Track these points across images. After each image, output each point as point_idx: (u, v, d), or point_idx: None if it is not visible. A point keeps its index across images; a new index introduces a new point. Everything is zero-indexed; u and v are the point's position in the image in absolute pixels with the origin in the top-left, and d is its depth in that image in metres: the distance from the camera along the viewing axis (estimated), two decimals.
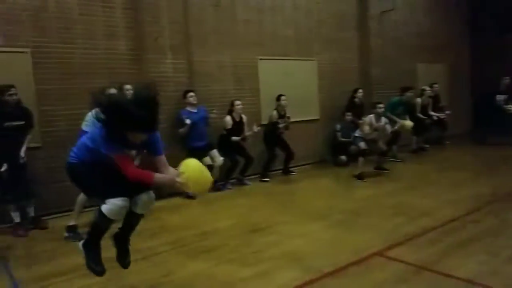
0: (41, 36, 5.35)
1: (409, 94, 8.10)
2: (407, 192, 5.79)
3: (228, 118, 6.60)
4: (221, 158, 6.32)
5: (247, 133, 6.70)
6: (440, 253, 3.51)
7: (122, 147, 2.55)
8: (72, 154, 2.74)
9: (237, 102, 6.64)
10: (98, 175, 2.65)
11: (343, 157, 7.98)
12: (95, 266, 2.79)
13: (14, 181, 4.76)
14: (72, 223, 4.48)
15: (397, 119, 7.71)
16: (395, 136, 7.86)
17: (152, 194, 2.76)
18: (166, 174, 2.70)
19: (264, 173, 7.21)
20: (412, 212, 4.76)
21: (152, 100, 2.49)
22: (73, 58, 5.60)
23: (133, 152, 2.72)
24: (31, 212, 5.00)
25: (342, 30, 8.87)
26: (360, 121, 7.46)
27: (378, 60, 9.30)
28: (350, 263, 3.37)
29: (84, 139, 2.75)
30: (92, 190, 2.80)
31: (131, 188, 2.62)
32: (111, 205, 2.58)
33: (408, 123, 7.77)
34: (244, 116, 6.80)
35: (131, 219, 2.81)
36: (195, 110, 6.22)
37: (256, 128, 6.68)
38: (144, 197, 2.71)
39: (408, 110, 8.30)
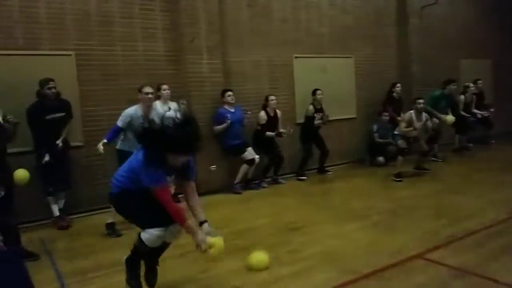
0: (84, 39, 5.57)
1: (451, 87, 7.76)
2: (449, 193, 5.59)
3: (262, 113, 6.61)
4: (257, 156, 6.35)
5: (281, 130, 6.65)
6: (484, 257, 3.37)
7: (163, 174, 2.68)
8: (114, 182, 2.89)
9: (271, 97, 6.64)
10: (138, 205, 2.79)
11: (381, 159, 7.79)
12: (133, 283, 2.97)
13: (56, 173, 4.97)
14: (110, 220, 4.59)
15: (439, 114, 7.45)
16: (436, 134, 7.61)
17: (178, 227, 2.85)
18: (195, 203, 2.93)
19: (301, 171, 7.18)
20: (454, 214, 4.59)
21: (193, 123, 2.67)
22: (114, 60, 5.80)
23: (170, 179, 2.87)
24: (61, 204, 5.16)
25: (380, 26, 8.67)
26: (399, 118, 7.26)
27: (418, 56, 9.00)
28: (388, 265, 3.29)
29: (124, 169, 2.88)
30: (133, 218, 2.93)
31: (167, 218, 2.75)
32: (149, 235, 2.75)
33: (450, 118, 7.48)
34: (278, 112, 6.79)
35: (161, 245, 2.94)
36: (233, 110, 6.28)
37: (291, 130, 6.64)
38: (173, 228, 2.83)
39: (451, 104, 7.98)
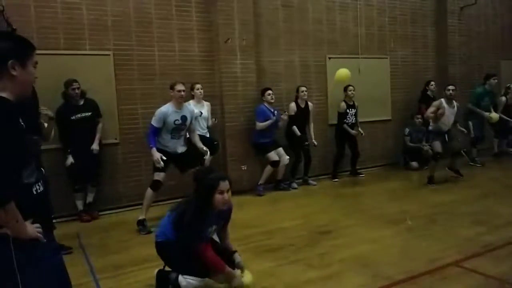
0: (122, 40, 5.74)
1: (492, 81, 7.52)
2: (488, 199, 5.40)
3: (293, 105, 6.56)
4: (287, 157, 6.34)
5: (314, 140, 6.57)
6: None
7: (205, 227, 2.86)
8: (159, 232, 3.07)
9: (302, 88, 6.58)
10: (179, 254, 2.92)
11: (414, 163, 7.61)
12: None
13: (84, 172, 5.13)
14: (141, 217, 4.68)
15: (482, 112, 7.20)
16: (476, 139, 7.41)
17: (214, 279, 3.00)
18: (228, 243, 3.18)
19: (334, 172, 7.12)
20: (493, 221, 4.43)
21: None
22: (151, 60, 5.95)
23: (214, 228, 2.99)
24: (91, 198, 5.34)
25: (417, 27, 8.48)
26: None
27: (457, 57, 8.73)
28: (423, 273, 3.22)
29: (167, 226, 3.01)
30: (174, 266, 3.03)
31: (206, 270, 2.90)
32: (186, 283, 2.90)
33: (495, 115, 7.27)
34: (310, 104, 6.73)
35: None
36: (272, 110, 6.27)
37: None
38: (210, 281, 2.98)
39: (494, 100, 7.72)
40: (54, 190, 4.33)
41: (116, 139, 5.74)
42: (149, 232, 4.55)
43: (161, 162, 4.56)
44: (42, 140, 3.81)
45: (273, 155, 6.23)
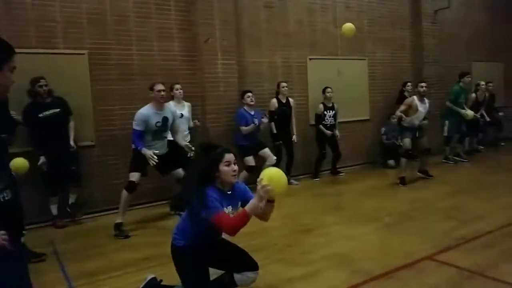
0: (98, 38, 5.60)
1: (466, 79, 7.83)
2: (460, 195, 5.65)
3: (274, 100, 6.62)
4: (274, 158, 6.31)
5: (294, 137, 6.65)
6: (494, 259, 3.44)
7: (219, 201, 2.58)
8: (176, 235, 2.81)
9: (283, 84, 6.64)
10: (196, 265, 2.73)
11: (391, 162, 7.86)
12: None
13: (60, 173, 4.92)
14: (118, 220, 4.57)
15: (459, 109, 7.50)
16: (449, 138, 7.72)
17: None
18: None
19: (316, 172, 7.26)
20: (464, 216, 4.66)
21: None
22: (129, 59, 5.84)
23: (230, 209, 2.73)
24: (73, 199, 5.19)
25: (394, 29, 8.72)
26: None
27: (432, 59, 9.03)
28: (400, 267, 3.37)
29: (184, 218, 2.85)
30: (185, 276, 2.83)
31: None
32: None
33: (470, 112, 7.55)
34: (291, 100, 6.79)
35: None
36: (252, 112, 6.24)
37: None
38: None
39: (466, 98, 8.05)
40: (27, 195, 4.02)
41: (92, 141, 5.59)
42: (127, 236, 4.47)
43: (155, 157, 4.45)
44: (14, 139, 3.70)
45: (249, 160, 6.14)
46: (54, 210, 5.10)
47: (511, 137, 9.99)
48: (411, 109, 6.43)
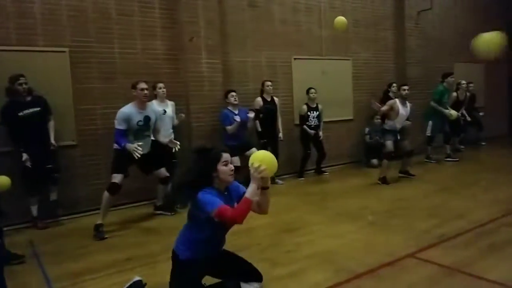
0: (79, 36, 5.51)
1: (450, 79, 7.97)
2: (442, 194, 5.74)
3: (259, 99, 6.62)
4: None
5: (250, 114, 6.38)
6: (473, 256, 3.50)
7: (218, 200, 2.58)
8: (179, 244, 2.77)
9: (268, 83, 6.66)
10: (191, 284, 2.73)
11: (374, 161, 7.94)
12: None
13: (41, 172, 4.82)
14: (98, 221, 4.51)
15: (443, 109, 7.61)
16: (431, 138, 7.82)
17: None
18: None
19: (301, 171, 7.28)
20: (446, 214, 4.73)
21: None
22: (111, 57, 5.77)
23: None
24: (54, 196, 5.10)
25: (378, 30, 8.82)
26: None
27: (414, 59, 9.17)
28: (382, 265, 3.40)
29: (184, 227, 2.83)
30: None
31: None
32: None
33: (454, 112, 7.70)
34: (276, 98, 6.81)
35: None
36: (236, 112, 6.22)
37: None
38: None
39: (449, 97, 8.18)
40: (7, 196, 4.03)
41: (73, 140, 5.50)
42: (103, 238, 4.40)
43: (139, 149, 4.39)
44: None
45: (235, 161, 5.93)
46: (34, 211, 5.01)
47: (491, 137, 10.21)
48: (393, 112, 6.48)
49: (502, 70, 11.84)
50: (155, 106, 5.31)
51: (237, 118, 6.11)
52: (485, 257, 3.46)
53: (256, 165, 2.50)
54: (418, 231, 4.23)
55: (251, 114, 6.25)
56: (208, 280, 2.89)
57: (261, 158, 2.55)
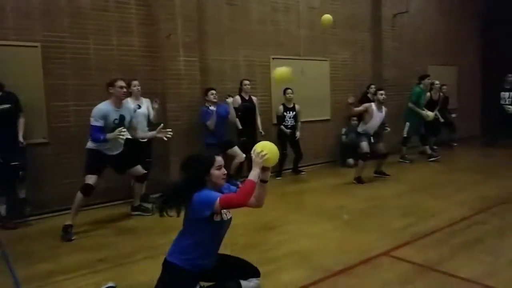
0: (52, 30, 5.36)
1: (426, 81, 8.16)
2: (415, 193, 5.86)
3: (237, 97, 6.60)
4: (243, 155, 6.26)
5: (228, 100, 6.33)
6: (445, 254, 3.58)
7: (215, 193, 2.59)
8: (174, 257, 2.67)
9: (246, 82, 6.67)
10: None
11: (350, 160, 8.04)
12: None
13: (9, 171, 4.69)
14: (68, 222, 4.40)
15: (420, 110, 7.77)
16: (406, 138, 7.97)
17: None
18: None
19: (279, 171, 7.29)
20: (419, 213, 4.83)
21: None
22: (86, 53, 5.62)
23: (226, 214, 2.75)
24: (23, 194, 4.95)
25: (355, 32, 8.93)
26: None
27: (390, 61, 9.33)
28: (357, 263, 3.44)
29: (179, 233, 2.75)
30: None
31: None
32: None
33: (431, 113, 7.91)
34: (254, 98, 6.82)
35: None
36: (215, 108, 6.15)
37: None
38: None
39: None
40: None
41: (45, 138, 5.34)
42: (70, 239, 4.27)
43: (124, 130, 4.38)
44: None
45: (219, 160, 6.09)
46: (2, 210, 4.87)
47: (463, 138, 10.51)
48: (367, 114, 6.55)
49: (475, 72, 12.24)
50: (129, 104, 5.21)
51: (212, 108, 6.03)
52: (457, 255, 3.55)
53: (259, 150, 2.62)
54: (392, 229, 4.30)
55: (230, 99, 6.20)
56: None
57: (264, 146, 2.68)
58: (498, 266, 3.31)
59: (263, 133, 6.81)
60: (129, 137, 4.84)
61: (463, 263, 3.37)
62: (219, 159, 2.70)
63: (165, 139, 4.50)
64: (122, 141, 4.66)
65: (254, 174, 2.60)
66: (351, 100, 6.32)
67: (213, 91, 6.18)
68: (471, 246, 3.74)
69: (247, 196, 2.56)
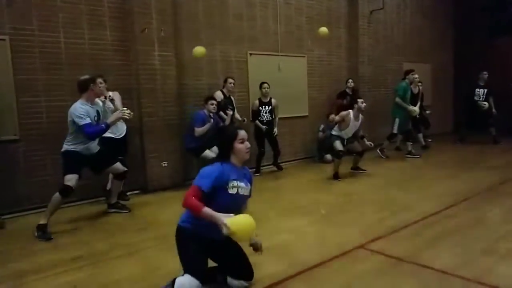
0: (20, 23, 5.17)
1: (411, 76, 8.26)
2: (390, 188, 5.95)
3: (218, 92, 6.58)
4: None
5: (229, 112, 6.49)
6: (419, 246, 3.65)
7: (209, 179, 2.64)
8: (184, 217, 2.80)
9: (230, 80, 6.67)
10: (194, 249, 2.73)
11: (328, 156, 8.10)
12: None
13: None
14: (42, 221, 4.28)
15: (407, 106, 7.91)
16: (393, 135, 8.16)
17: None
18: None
19: (257, 167, 7.30)
20: (394, 207, 4.90)
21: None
22: (56, 47, 5.46)
23: (244, 185, 2.84)
24: None
25: (332, 28, 8.95)
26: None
27: (366, 58, 9.44)
28: (334, 257, 3.47)
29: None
30: (181, 257, 2.81)
31: (208, 277, 2.77)
32: (184, 282, 2.64)
33: (416, 108, 8.02)
34: (233, 98, 6.83)
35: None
36: (212, 116, 6.18)
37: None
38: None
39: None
40: None
41: (15, 135, 5.16)
42: (49, 239, 4.16)
43: (126, 109, 4.40)
44: None
45: (208, 153, 6.02)
46: None
47: (436, 134, 10.78)
48: (343, 123, 6.63)
49: (448, 70, 12.55)
50: (97, 100, 5.07)
51: (210, 122, 6.08)
52: (431, 247, 3.61)
53: (230, 231, 2.44)
54: (368, 223, 4.35)
55: (230, 112, 6.36)
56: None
57: (234, 222, 2.49)
58: (471, 256, 3.39)
59: (245, 120, 6.81)
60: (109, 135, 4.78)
61: (437, 254, 3.43)
62: (242, 133, 2.77)
63: (127, 117, 4.42)
64: (130, 117, 4.51)
65: (210, 215, 2.50)
66: (331, 118, 6.56)
67: (214, 101, 6.16)
68: (445, 238, 3.81)
69: (186, 205, 2.60)
